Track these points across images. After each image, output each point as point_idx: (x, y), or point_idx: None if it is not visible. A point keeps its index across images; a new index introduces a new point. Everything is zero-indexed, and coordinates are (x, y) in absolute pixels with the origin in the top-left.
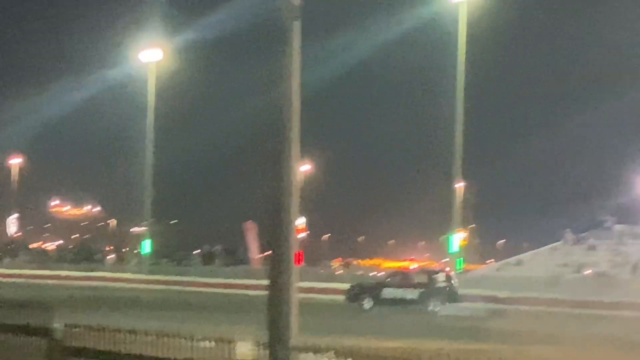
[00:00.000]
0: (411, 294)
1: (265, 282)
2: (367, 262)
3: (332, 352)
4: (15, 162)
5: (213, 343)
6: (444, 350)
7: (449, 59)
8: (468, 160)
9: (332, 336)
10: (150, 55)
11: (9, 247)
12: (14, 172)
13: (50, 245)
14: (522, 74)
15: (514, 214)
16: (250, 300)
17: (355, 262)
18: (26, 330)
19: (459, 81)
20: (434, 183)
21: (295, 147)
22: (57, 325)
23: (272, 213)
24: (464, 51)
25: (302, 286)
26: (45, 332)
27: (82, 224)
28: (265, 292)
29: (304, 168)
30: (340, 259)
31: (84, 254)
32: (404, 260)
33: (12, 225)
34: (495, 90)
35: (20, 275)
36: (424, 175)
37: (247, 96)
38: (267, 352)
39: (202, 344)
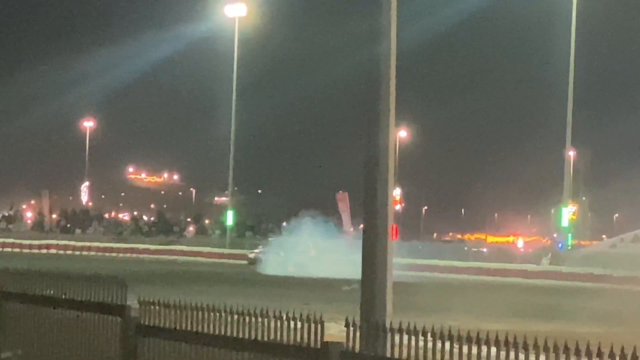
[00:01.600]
0: None
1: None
2: (469, 237)
3: (429, 334)
4: (88, 124)
5: (300, 324)
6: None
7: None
8: (580, 126)
9: (430, 316)
10: (235, 10)
11: (78, 217)
12: (86, 136)
13: (126, 216)
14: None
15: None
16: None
17: (458, 237)
18: (99, 307)
19: (572, 43)
20: (543, 151)
21: (391, 111)
22: (132, 302)
23: (366, 182)
24: (574, 22)
25: (398, 262)
26: (119, 309)
27: (160, 193)
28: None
29: (401, 135)
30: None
31: (161, 226)
32: (509, 235)
33: (84, 193)
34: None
35: (91, 248)
36: (532, 142)
37: (336, 56)
38: (359, 333)
39: (289, 324)
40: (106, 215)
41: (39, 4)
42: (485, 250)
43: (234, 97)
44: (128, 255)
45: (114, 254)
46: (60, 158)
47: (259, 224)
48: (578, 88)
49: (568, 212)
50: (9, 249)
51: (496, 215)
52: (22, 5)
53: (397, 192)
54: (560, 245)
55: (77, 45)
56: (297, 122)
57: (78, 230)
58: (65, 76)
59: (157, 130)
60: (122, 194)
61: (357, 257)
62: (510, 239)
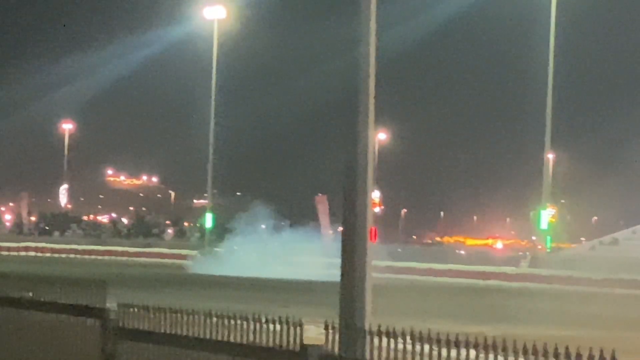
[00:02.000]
0: None
1: (337, 260)
2: (448, 239)
3: (408, 336)
4: (67, 127)
5: (279, 326)
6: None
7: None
8: (559, 130)
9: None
10: (214, 12)
11: (57, 219)
12: (65, 139)
13: (105, 218)
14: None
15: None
16: (320, 280)
17: (436, 239)
18: (78, 309)
19: (551, 46)
20: (522, 154)
21: (370, 115)
22: (111, 305)
23: (345, 185)
24: (554, 25)
25: (377, 265)
26: (98, 312)
27: (138, 196)
28: (337, 272)
29: (380, 137)
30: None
31: (140, 228)
32: (488, 237)
33: (62, 196)
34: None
35: (70, 251)
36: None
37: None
38: (338, 336)
39: (268, 326)
40: (85, 218)
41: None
42: (463, 252)
43: (212, 100)
44: (107, 257)
45: (92, 257)
46: (39, 160)
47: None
48: (557, 92)
49: (547, 215)
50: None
51: (475, 217)
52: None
53: (376, 195)
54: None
55: (55, 48)
56: (277, 125)
57: (57, 233)
58: (44, 79)
59: (136, 132)
60: (101, 196)
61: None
62: (489, 241)
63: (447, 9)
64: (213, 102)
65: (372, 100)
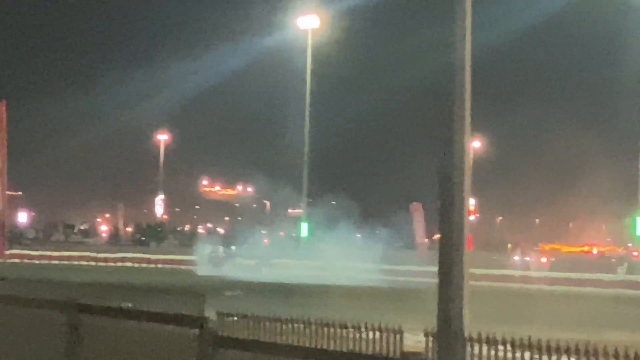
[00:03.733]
0: None
1: (433, 268)
2: (545, 247)
3: (509, 344)
4: (162, 138)
5: (379, 334)
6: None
7: None
8: None
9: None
10: (307, 21)
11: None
12: (160, 149)
13: (201, 228)
14: None
15: None
16: (417, 288)
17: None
18: (177, 319)
19: None
20: (619, 160)
21: (466, 121)
22: (210, 314)
23: (441, 193)
24: None
25: (473, 273)
26: (197, 321)
27: (234, 206)
28: (432, 280)
29: (475, 145)
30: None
31: (236, 238)
32: (584, 244)
33: (158, 206)
34: None
35: (167, 261)
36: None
37: (410, 65)
38: (437, 344)
39: (367, 334)
40: (186, 228)
41: (111, 17)
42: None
43: (307, 109)
44: None
45: (188, 267)
46: (134, 171)
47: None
48: None
49: None
50: (85, 263)
51: (570, 224)
52: (94, 18)
53: (471, 203)
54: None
55: (150, 57)
56: (371, 132)
57: (153, 243)
58: (139, 88)
59: (230, 142)
60: (197, 206)
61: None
62: (585, 248)
63: (539, 11)
64: (307, 113)
65: (468, 105)
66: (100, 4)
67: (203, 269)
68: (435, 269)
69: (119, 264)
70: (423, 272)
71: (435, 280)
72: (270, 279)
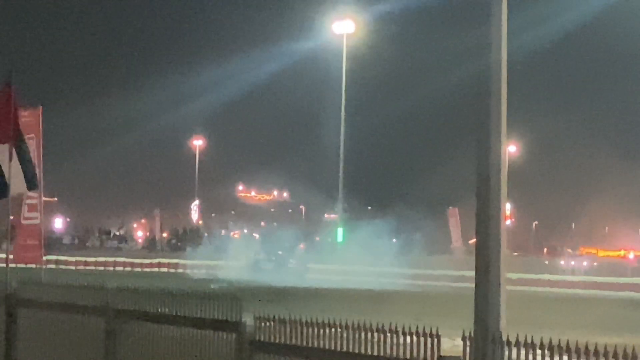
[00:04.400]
0: None
1: (468, 273)
2: (581, 252)
3: (547, 347)
4: (197, 143)
5: (415, 338)
6: None
7: None
8: None
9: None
10: (343, 26)
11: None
12: (196, 154)
13: (236, 234)
14: None
15: None
16: (453, 293)
17: (568, 251)
18: (214, 324)
19: None
20: None
21: (502, 125)
22: (247, 319)
23: (478, 197)
24: None
25: (509, 277)
26: (234, 325)
27: (269, 211)
28: (468, 285)
29: (510, 149)
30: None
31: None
32: (620, 249)
33: (194, 212)
34: None
35: (202, 266)
36: None
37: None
38: (474, 348)
39: (404, 338)
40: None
41: (147, 23)
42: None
43: (342, 114)
44: None
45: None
46: (170, 177)
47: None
48: None
49: None
50: (121, 268)
51: (606, 229)
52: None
53: (507, 207)
54: None
55: (186, 63)
56: (406, 136)
57: (189, 249)
58: (175, 94)
59: (266, 147)
60: (232, 212)
61: None
62: (622, 252)
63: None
64: (343, 117)
65: (504, 110)
66: (137, 9)
67: (244, 274)
68: (471, 273)
69: (155, 269)
70: (459, 276)
71: (471, 284)
72: (307, 283)
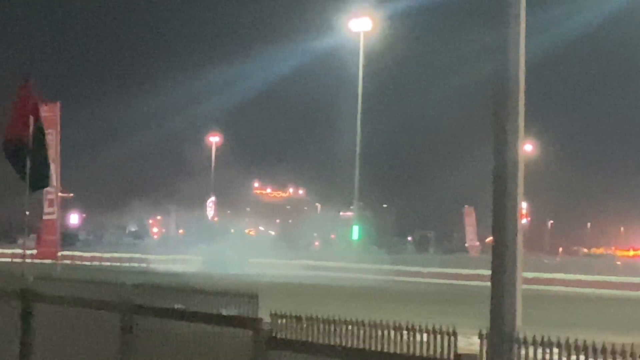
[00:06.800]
0: None
1: (484, 272)
2: (596, 251)
3: (563, 346)
4: (213, 139)
5: (432, 336)
6: None
7: None
8: None
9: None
10: (360, 24)
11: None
12: (212, 151)
13: (251, 230)
14: None
15: None
16: (468, 292)
17: (583, 251)
18: (229, 320)
19: None
20: None
21: (519, 125)
22: (263, 316)
23: (495, 196)
24: None
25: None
26: (251, 322)
27: (285, 208)
28: (484, 284)
29: (526, 149)
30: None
31: (286, 240)
32: (629, 248)
33: (209, 209)
34: None
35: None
36: None
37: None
38: (490, 346)
39: (420, 336)
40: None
41: (164, 21)
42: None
43: (359, 112)
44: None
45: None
46: (185, 173)
47: (385, 238)
48: None
49: None
50: (136, 264)
51: (622, 228)
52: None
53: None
54: None
55: (202, 60)
56: (422, 134)
57: (203, 246)
58: (192, 91)
59: (281, 144)
60: (248, 209)
61: None
62: (630, 253)
63: (594, 14)
64: (359, 115)
65: (522, 109)
66: (154, 8)
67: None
68: (486, 272)
69: (170, 265)
70: (474, 275)
71: (487, 283)
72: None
